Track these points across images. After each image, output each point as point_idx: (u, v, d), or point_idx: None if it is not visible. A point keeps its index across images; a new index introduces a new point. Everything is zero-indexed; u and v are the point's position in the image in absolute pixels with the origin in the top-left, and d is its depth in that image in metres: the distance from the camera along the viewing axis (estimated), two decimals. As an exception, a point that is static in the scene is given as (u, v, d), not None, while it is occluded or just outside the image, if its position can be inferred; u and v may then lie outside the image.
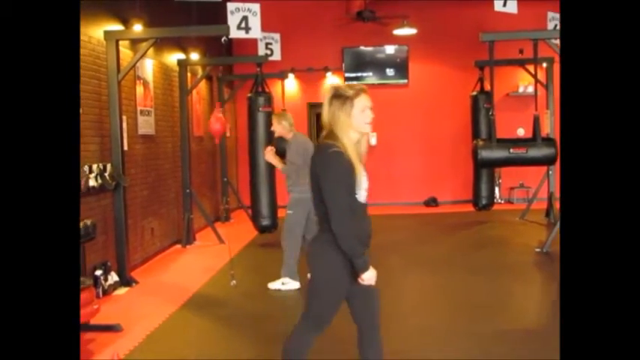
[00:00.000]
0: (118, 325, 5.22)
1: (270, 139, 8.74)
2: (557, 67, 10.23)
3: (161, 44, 8.46)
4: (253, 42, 10.80)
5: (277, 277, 6.60)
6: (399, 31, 12.84)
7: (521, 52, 10.79)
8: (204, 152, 11.24)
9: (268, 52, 10.33)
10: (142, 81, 8.13)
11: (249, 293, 6.51)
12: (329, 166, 3.22)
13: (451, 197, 13.27)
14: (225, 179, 11.62)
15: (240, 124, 12.64)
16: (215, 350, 4.86)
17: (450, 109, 13.28)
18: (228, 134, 12.12)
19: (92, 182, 6.34)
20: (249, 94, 9.10)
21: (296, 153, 6.57)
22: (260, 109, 8.85)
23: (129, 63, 7.10)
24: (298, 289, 6.49)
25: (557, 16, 9.61)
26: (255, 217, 9.20)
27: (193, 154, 9.89)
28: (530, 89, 12.40)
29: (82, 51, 6.42)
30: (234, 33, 7.07)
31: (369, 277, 3.21)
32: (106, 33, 6.87)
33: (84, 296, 4.60)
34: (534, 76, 9.51)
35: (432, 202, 13.45)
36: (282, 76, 12.81)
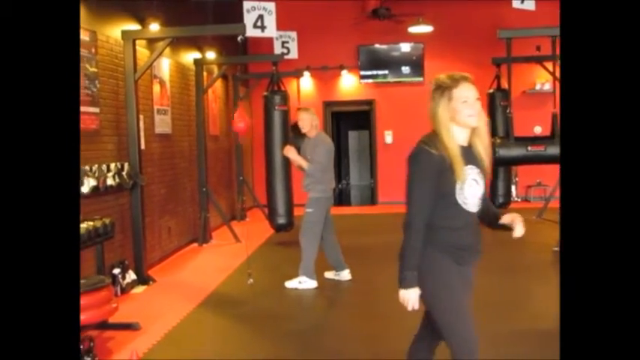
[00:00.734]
0: (136, 323, 5.24)
1: (286, 137, 8.74)
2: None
3: (177, 43, 8.50)
4: (269, 41, 10.82)
5: (294, 275, 6.60)
6: (415, 29, 12.80)
7: (538, 49, 10.72)
8: (220, 151, 11.27)
9: (284, 50, 10.34)
10: (158, 80, 8.16)
11: (266, 292, 6.52)
12: (410, 165, 2.92)
13: (467, 195, 13.20)
14: (241, 178, 11.64)
15: (256, 123, 12.65)
16: (232, 349, 4.88)
17: (466, 107, 13.20)
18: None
19: (110, 181, 6.38)
20: (265, 93, 9.10)
21: (322, 152, 6.57)
22: (276, 107, 8.85)
23: (146, 62, 7.13)
24: (315, 288, 6.49)
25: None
26: (271, 216, 9.20)
27: (209, 153, 9.92)
28: (547, 87, 12.32)
29: (99, 51, 6.46)
30: (250, 32, 7.08)
31: (404, 296, 2.89)
32: (124, 33, 6.91)
33: (102, 295, 4.64)
34: (552, 73, 9.43)
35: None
36: (298, 74, 12.81)
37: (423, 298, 2.95)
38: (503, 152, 8.62)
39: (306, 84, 13.64)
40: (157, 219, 8.00)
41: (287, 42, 10.66)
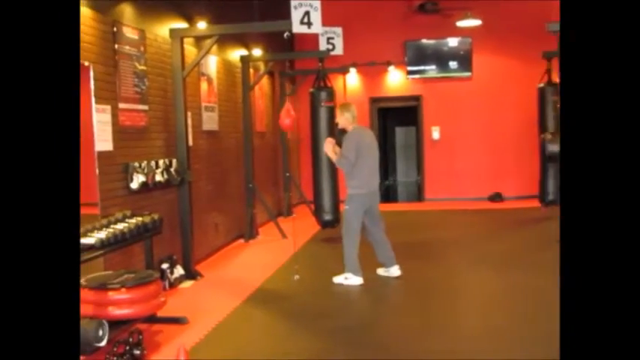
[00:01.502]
0: (184, 317, 5.31)
1: (332, 133, 8.73)
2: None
3: (224, 41, 8.57)
4: (315, 37, 10.80)
5: (340, 272, 6.59)
6: (463, 23, 12.62)
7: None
8: (266, 147, 11.32)
9: (330, 46, 10.31)
10: (205, 77, 8.24)
11: (312, 288, 6.52)
12: None
13: (516, 192, 12.98)
14: (288, 174, 11.68)
15: (302, 120, 12.68)
16: (278, 344, 4.90)
17: (515, 102, 12.99)
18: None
19: (158, 177, 6.47)
20: (311, 89, 9.11)
21: (349, 147, 6.53)
22: (322, 104, 8.85)
23: (193, 60, 7.21)
24: (361, 285, 6.46)
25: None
26: (317, 212, 9.21)
27: (256, 150, 9.98)
28: (600, 81, 12.01)
29: (148, 49, 6.55)
30: (297, 28, 7.08)
31: None
32: (171, 31, 6.99)
33: (151, 289, 4.71)
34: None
35: (496, 197, 13.20)
36: (344, 70, 12.79)
37: None
38: (554, 148, 8.46)
39: (353, 80, 13.61)
40: (204, 215, 8.08)
41: (332, 38, 10.62)
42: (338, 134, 7.85)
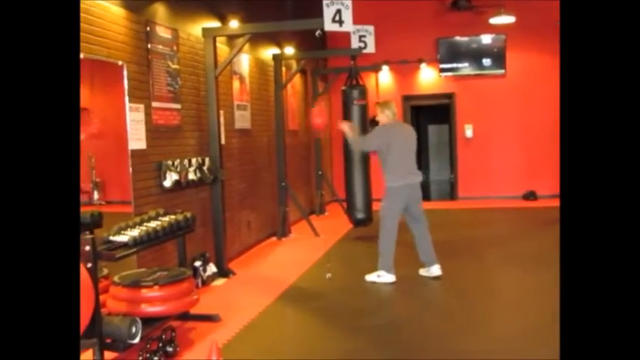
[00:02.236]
0: (217, 315, 5.34)
1: (365, 131, 8.71)
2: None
3: (256, 39, 8.60)
4: (347, 35, 10.76)
5: (372, 270, 6.57)
6: (496, 20, 12.47)
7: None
8: (299, 146, 11.34)
9: (362, 44, 10.27)
10: (238, 76, 8.27)
11: (344, 286, 6.51)
12: None
13: (551, 191, 12.78)
14: (320, 172, 11.68)
15: (335, 117, 12.66)
16: (311, 342, 4.89)
17: (549, 100, 12.78)
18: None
19: (191, 175, 6.51)
20: (343, 87, 9.10)
21: (372, 134, 6.54)
22: (354, 102, 8.83)
23: (225, 59, 7.24)
24: (394, 283, 6.43)
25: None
26: (349, 210, 9.20)
27: (288, 148, 9.99)
28: (638, 77, 11.78)
29: (181, 48, 6.60)
30: (329, 26, 7.06)
31: None
32: (204, 30, 7.03)
33: (184, 286, 4.74)
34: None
35: (530, 195, 13.03)
36: (376, 68, 12.75)
37: None
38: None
39: (385, 78, 13.55)
40: (237, 213, 8.12)
41: (364, 36, 10.58)
42: (371, 129, 7.83)
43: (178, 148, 6.49)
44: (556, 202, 11.98)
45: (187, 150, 6.68)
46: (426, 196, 15.58)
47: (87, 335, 3.77)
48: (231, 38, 7.78)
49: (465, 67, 13.27)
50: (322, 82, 12.56)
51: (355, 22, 7.49)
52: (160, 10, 6.26)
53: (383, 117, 6.71)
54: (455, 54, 13.28)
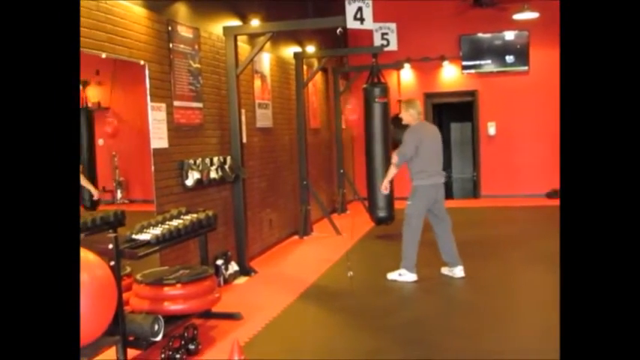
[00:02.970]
0: (238, 313, 5.35)
1: (387, 129, 8.68)
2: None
3: (277, 38, 8.60)
4: (368, 33, 10.73)
5: (394, 269, 6.55)
6: (519, 16, 12.36)
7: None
8: (320, 144, 11.33)
9: (384, 42, 10.22)
10: (259, 74, 8.28)
11: (366, 285, 6.49)
12: None
13: (576, 188, 12.65)
14: (342, 171, 11.67)
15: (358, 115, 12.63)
16: (332, 341, 4.88)
17: (574, 96, 12.66)
18: (343, 126, 12.15)
19: (213, 174, 6.53)
20: (364, 85, 9.07)
21: (408, 142, 6.47)
22: (376, 100, 8.80)
23: (247, 57, 7.25)
24: (416, 282, 6.40)
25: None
26: (371, 209, 9.17)
27: (310, 146, 9.99)
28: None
29: (202, 47, 6.62)
30: (351, 24, 7.04)
31: None
32: (225, 29, 7.04)
33: (206, 284, 4.75)
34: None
35: (554, 194, 12.87)
36: (398, 66, 12.70)
37: None
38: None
39: (407, 76, 13.49)
40: (259, 211, 8.13)
41: (386, 34, 10.54)
42: (395, 131, 7.80)
43: (200, 147, 6.51)
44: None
45: (209, 149, 6.70)
46: (449, 195, 15.49)
47: (110, 333, 3.79)
48: (252, 37, 7.79)
49: (488, 64, 13.16)
50: (343, 80, 12.54)
51: (377, 19, 7.48)
52: (182, 10, 6.28)
53: (407, 116, 6.66)
54: (477, 51, 13.18)
